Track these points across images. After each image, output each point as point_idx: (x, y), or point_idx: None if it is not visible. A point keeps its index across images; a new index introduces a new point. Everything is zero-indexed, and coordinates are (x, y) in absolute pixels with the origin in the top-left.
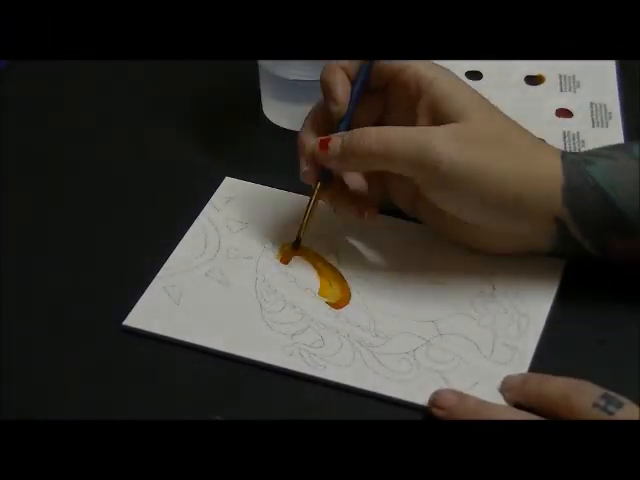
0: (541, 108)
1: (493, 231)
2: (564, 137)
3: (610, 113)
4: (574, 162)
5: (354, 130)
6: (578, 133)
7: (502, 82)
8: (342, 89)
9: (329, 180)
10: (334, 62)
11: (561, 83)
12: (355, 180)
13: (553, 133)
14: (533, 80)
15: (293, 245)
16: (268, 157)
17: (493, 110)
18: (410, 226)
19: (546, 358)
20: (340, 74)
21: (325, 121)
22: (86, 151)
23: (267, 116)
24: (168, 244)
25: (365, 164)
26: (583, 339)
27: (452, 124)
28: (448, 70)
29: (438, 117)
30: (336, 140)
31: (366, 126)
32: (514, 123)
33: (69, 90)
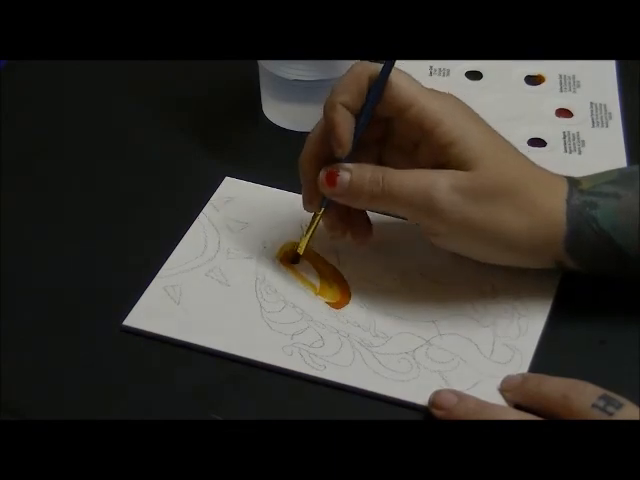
0: (541, 108)
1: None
2: (564, 137)
3: (610, 113)
4: (578, 208)
5: (361, 172)
6: (578, 133)
7: (502, 82)
8: (345, 130)
9: (331, 205)
10: (335, 98)
11: (561, 83)
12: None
13: (553, 133)
14: (533, 80)
15: (292, 260)
16: (268, 157)
17: (505, 153)
18: (410, 226)
19: (546, 358)
20: (342, 112)
21: (327, 147)
22: (86, 151)
23: (267, 116)
24: (168, 244)
25: (370, 207)
26: (583, 339)
27: (461, 172)
28: (461, 106)
29: (443, 162)
30: (344, 176)
31: (366, 145)
32: (524, 163)
33: (69, 90)
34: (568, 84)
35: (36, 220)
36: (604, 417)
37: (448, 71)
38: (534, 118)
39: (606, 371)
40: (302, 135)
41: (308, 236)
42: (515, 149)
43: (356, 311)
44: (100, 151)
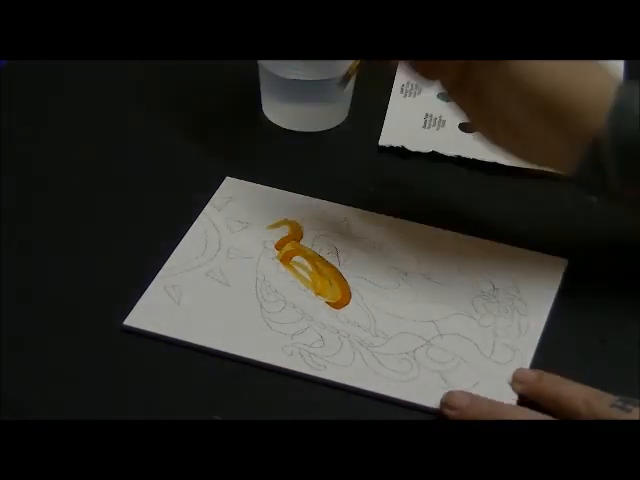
0: None
1: (529, 136)
2: None
3: None
4: (629, 85)
5: None
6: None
7: None
8: None
9: None
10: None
11: None
12: None
13: None
14: None
15: (342, 80)
16: (268, 157)
17: None
18: (410, 226)
19: (546, 358)
20: None
21: None
22: (86, 151)
23: (267, 116)
24: (168, 244)
25: None
26: (583, 339)
27: None
28: None
29: None
30: None
31: None
32: None
33: (69, 90)
34: None
35: (36, 220)
36: (623, 415)
37: None
38: None
39: (606, 371)
40: (302, 135)
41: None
42: None
43: (356, 311)
44: (100, 151)
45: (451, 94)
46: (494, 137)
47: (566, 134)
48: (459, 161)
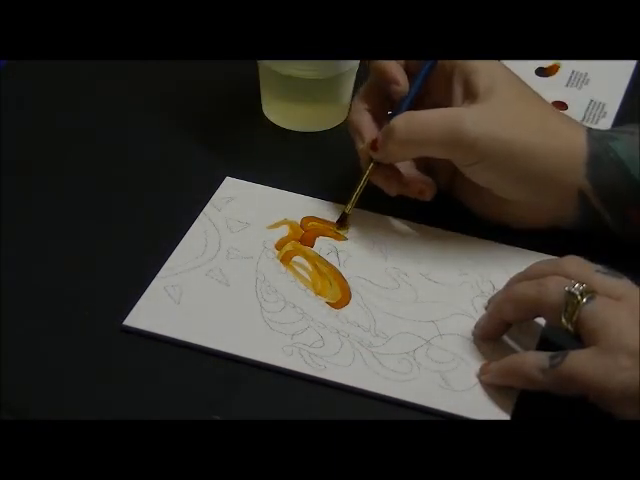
0: None
1: (523, 204)
2: None
3: (605, 112)
4: (597, 137)
5: (386, 126)
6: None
7: (513, 69)
8: (399, 72)
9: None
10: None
11: (570, 78)
12: (404, 163)
13: None
14: (543, 72)
15: (339, 221)
16: (268, 157)
17: (520, 86)
18: (410, 226)
19: None
20: (390, 62)
21: (377, 96)
22: (86, 151)
23: (267, 116)
24: (168, 244)
25: (406, 154)
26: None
27: (481, 104)
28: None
29: (468, 91)
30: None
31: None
32: (540, 99)
33: (69, 90)
34: (576, 80)
35: (36, 220)
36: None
37: None
38: None
39: None
40: (302, 135)
41: (358, 192)
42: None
43: (356, 311)
44: (100, 151)
45: (448, 192)
46: (498, 216)
47: (555, 194)
48: None
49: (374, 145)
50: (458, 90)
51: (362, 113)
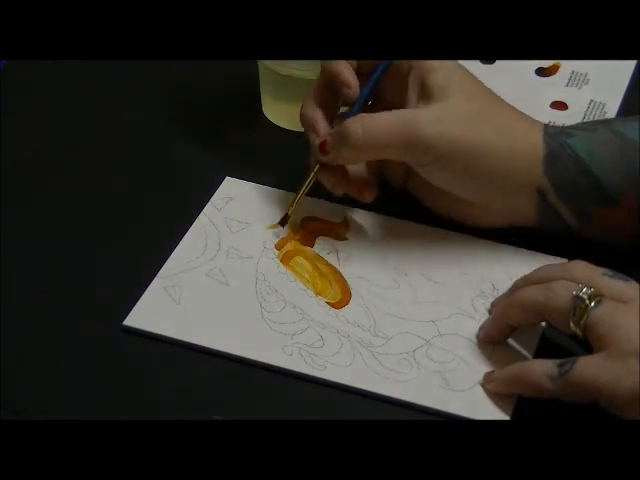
0: (539, 98)
1: (481, 204)
2: None
3: (605, 112)
4: (555, 134)
5: (339, 128)
6: (563, 125)
7: (513, 69)
8: (350, 75)
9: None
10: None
11: (570, 78)
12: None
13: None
14: (543, 71)
15: (280, 222)
16: (268, 157)
17: (476, 86)
18: (410, 226)
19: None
20: (342, 63)
21: (328, 94)
22: (86, 151)
23: (267, 116)
24: (168, 244)
25: (361, 159)
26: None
27: (435, 104)
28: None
29: (423, 91)
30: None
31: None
32: (497, 98)
33: (69, 90)
34: (576, 80)
35: (36, 220)
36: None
37: None
38: (526, 106)
39: None
40: (302, 135)
41: (302, 193)
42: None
43: (356, 311)
44: (100, 151)
45: (402, 189)
46: (454, 215)
47: (513, 193)
48: None
49: (322, 148)
50: (413, 90)
51: (314, 109)
